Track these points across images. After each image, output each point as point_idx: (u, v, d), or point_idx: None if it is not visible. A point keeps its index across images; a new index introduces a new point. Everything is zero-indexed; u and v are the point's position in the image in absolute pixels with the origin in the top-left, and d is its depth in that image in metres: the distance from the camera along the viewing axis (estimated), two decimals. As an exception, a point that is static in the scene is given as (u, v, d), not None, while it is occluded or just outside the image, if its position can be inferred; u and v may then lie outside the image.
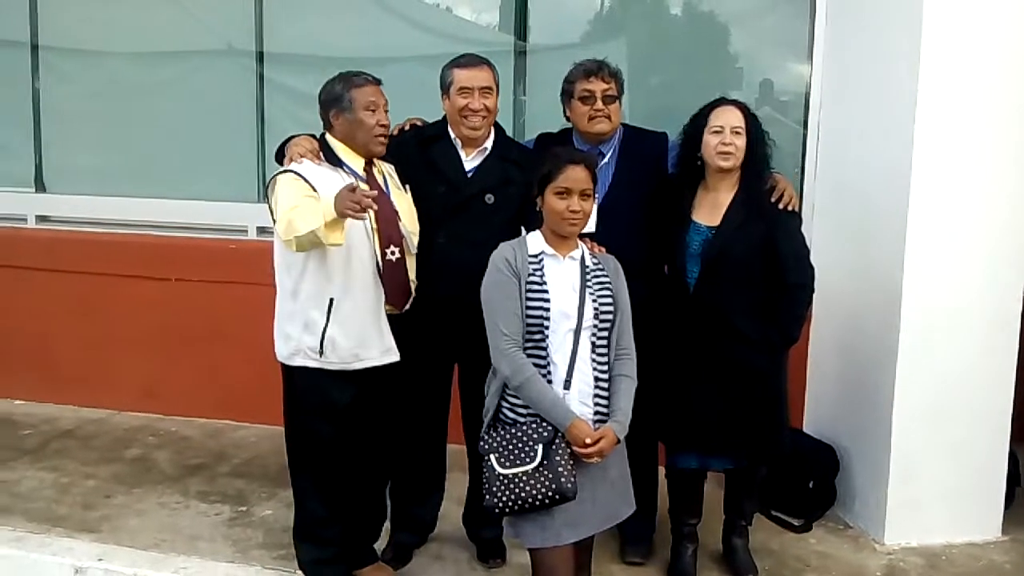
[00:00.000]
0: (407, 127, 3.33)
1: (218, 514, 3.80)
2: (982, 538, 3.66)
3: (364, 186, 2.94)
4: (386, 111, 3.02)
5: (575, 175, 2.57)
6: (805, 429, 4.17)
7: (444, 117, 3.23)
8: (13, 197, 5.17)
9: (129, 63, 5.00)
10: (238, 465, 4.32)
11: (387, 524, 3.40)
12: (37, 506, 3.83)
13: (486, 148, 3.20)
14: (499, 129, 3.27)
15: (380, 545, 3.35)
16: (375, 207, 2.66)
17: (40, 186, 5.21)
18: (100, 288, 4.92)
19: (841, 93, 4.01)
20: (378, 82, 3.03)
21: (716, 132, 3.06)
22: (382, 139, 3.00)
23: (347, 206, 2.58)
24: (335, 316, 2.91)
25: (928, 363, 3.53)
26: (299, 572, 3.22)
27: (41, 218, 5.14)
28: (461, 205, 3.13)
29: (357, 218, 2.65)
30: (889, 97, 3.61)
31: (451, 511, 3.54)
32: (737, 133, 3.05)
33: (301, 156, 2.94)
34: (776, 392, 3.20)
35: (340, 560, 3.15)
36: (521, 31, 4.54)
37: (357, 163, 3.02)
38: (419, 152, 3.21)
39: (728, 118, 3.06)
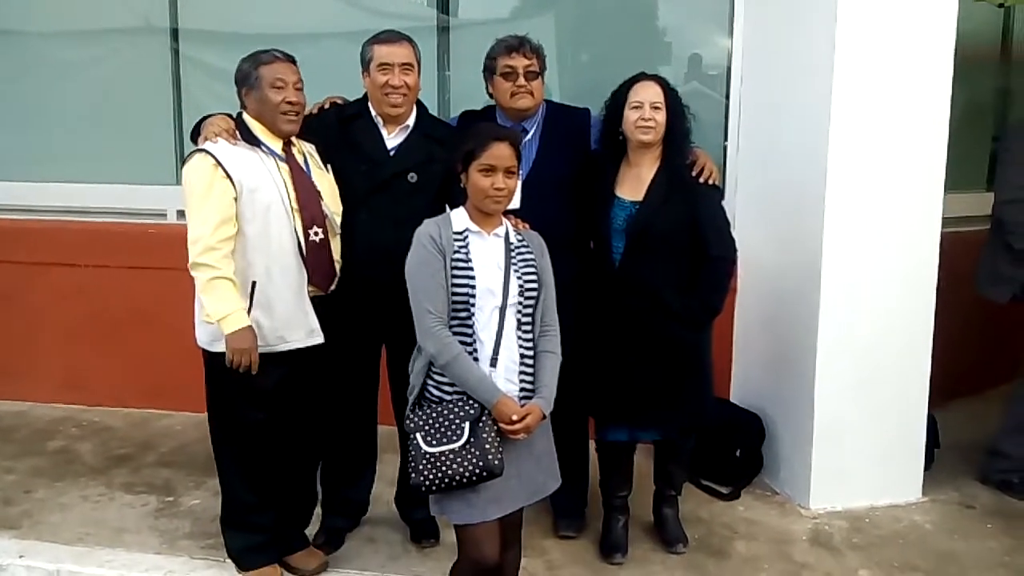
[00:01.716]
0: (327, 105, 3.26)
1: (144, 505, 3.72)
2: (904, 500, 3.78)
3: (284, 167, 2.91)
4: (298, 88, 2.93)
5: (499, 152, 2.55)
6: (732, 399, 4.25)
7: (365, 95, 3.18)
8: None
9: (43, 42, 4.83)
10: (164, 455, 4.23)
11: (318, 509, 3.37)
12: (-47, 503, 3.71)
13: (408, 126, 3.15)
14: (421, 107, 3.22)
15: (312, 530, 3.32)
16: (252, 370, 2.80)
17: (-50, 171, 5.01)
18: (16, 277, 4.77)
19: (761, 67, 4.06)
20: (289, 59, 2.96)
21: (636, 107, 3.08)
22: (290, 117, 2.92)
23: (236, 355, 2.77)
24: (258, 299, 2.86)
25: (849, 332, 3.61)
26: (228, 561, 3.17)
27: (-49, 205, 4.95)
28: (383, 184, 3.09)
29: (230, 364, 2.78)
30: (807, 71, 3.66)
31: (383, 493, 3.53)
32: (656, 108, 3.06)
33: (216, 136, 2.87)
34: (702, 363, 3.25)
35: (270, 547, 3.11)
36: (445, 6, 4.49)
37: (275, 143, 2.95)
38: (340, 131, 3.15)
39: (647, 93, 3.07)
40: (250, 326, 2.80)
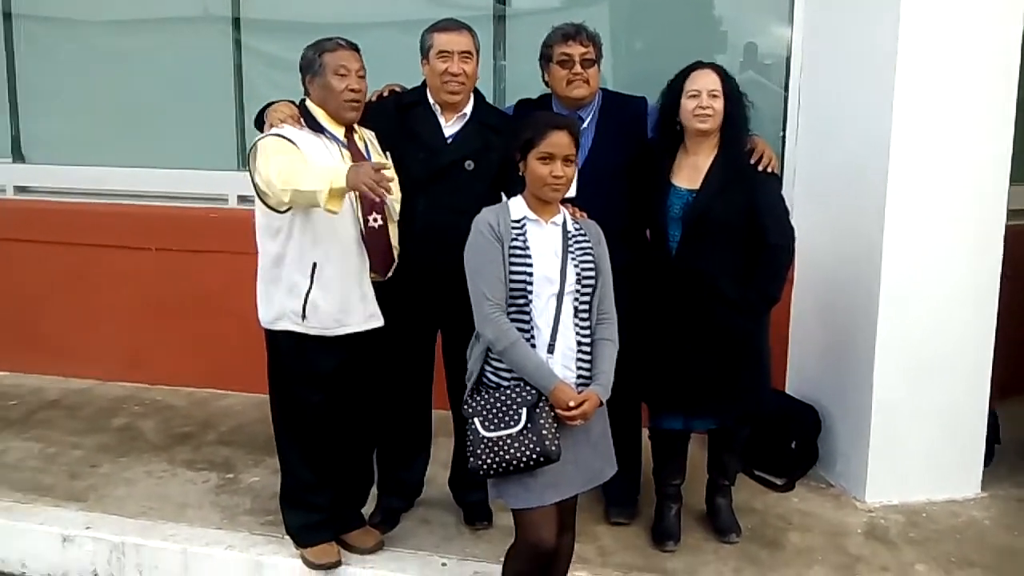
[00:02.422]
0: (386, 93, 3.31)
1: (205, 482, 3.82)
2: (962, 495, 3.72)
3: (346, 154, 2.95)
4: (360, 76, 2.98)
5: (558, 140, 2.56)
6: (787, 390, 4.21)
7: (423, 83, 3.21)
8: (-9, 168, 5.12)
9: (106, 31, 4.94)
10: (224, 433, 4.33)
11: (374, 489, 3.43)
12: (24, 476, 3.84)
13: (465, 114, 3.18)
14: (478, 95, 3.24)
15: (368, 510, 3.38)
16: (392, 194, 2.66)
17: (18, 156, 5.17)
18: (82, 258, 4.90)
19: (822, 56, 4.01)
20: (352, 47, 3.00)
21: (693, 96, 3.07)
22: (353, 104, 2.96)
23: (366, 183, 2.57)
24: (318, 280, 2.91)
25: (908, 323, 3.56)
26: (287, 537, 3.25)
27: (20, 188, 5.11)
28: (441, 171, 3.12)
29: (372, 197, 2.66)
30: (869, 60, 3.60)
31: (437, 475, 3.57)
32: (714, 96, 3.05)
33: (281, 122, 2.92)
34: (758, 352, 3.24)
35: (328, 525, 3.18)
36: (502, -5, 4.50)
37: (338, 130, 2.99)
38: (398, 118, 3.18)
39: (705, 81, 3.06)
40: (349, 167, 2.68)
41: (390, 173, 2.65)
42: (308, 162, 2.82)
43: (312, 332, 2.94)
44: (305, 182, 2.67)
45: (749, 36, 4.40)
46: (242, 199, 4.63)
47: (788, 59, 4.20)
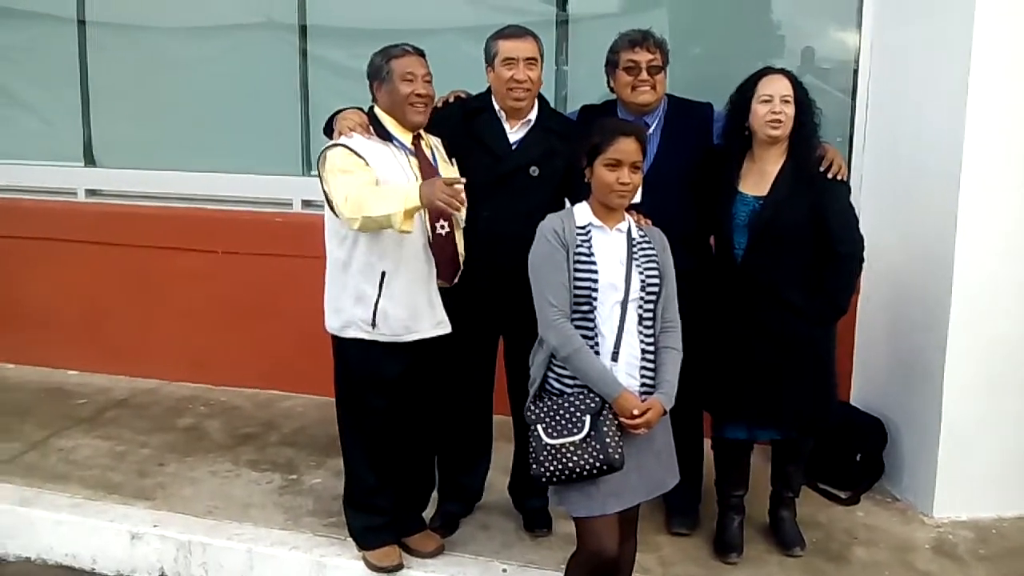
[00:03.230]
0: (451, 99, 3.33)
1: (269, 482, 3.87)
2: (1033, 512, 3.63)
3: (413, 161, 2.98)
4: (427, 81, 3.00)
5: (626, 147, 2.55)
6: (853, 402, 4.13)
7: (488, 89, 3.23)
8: (63, 171, 5.25)
9: (173, 37, 5.03)
10: (287, 434, 4.39)
11: (435, 494, 3.45)
12: (93, 473, 3.93)
13: (530, 120, 3.18)
14: (543, 101, 3.25)
15: (428, 514, 3.40)
16: (465, 205, 2.68)
17: (90, 160, 5.28)
18: (149, 260, 5.00)
19: (892, 62, 3.93)
20: (418, 52, 3.02)
21: (765, 101, 3.03)
22: (419, 108, 2.98)
23: (443, 199, 2.60)
24: (387, 289, 2.93)
25: (979, 335, 3.48)
26: (349, 539, 3.28)
27: (91, 192, 5.22)
28: (506, 177, 3.13)
29: (449, 212, 2.67)
30: (941, 66, 3.53)
31: (497, 481, 3.57)
32: (786, 102, 3.01)
33: (350, 130, 2.95)
34: (825, 363, 3.19)
35: (390, 528, 3.20)
36: (562, 0, 4.49)
37: (405, 137, 3.02)
38: (463, 125, 3.20)
39: (777, 87, 3.02)
40: (419, 183, 2.73)
41: (461, 187, 2.65)
42: (375, 181, 2.84)
43: (382, 340, 2.97)
44: (377, 207, 2.70)
45: (808, 41, 4.33)
46: (306, 204, 4.70)
47: (856, 65, 4.13)
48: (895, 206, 3.85)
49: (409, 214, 2.68)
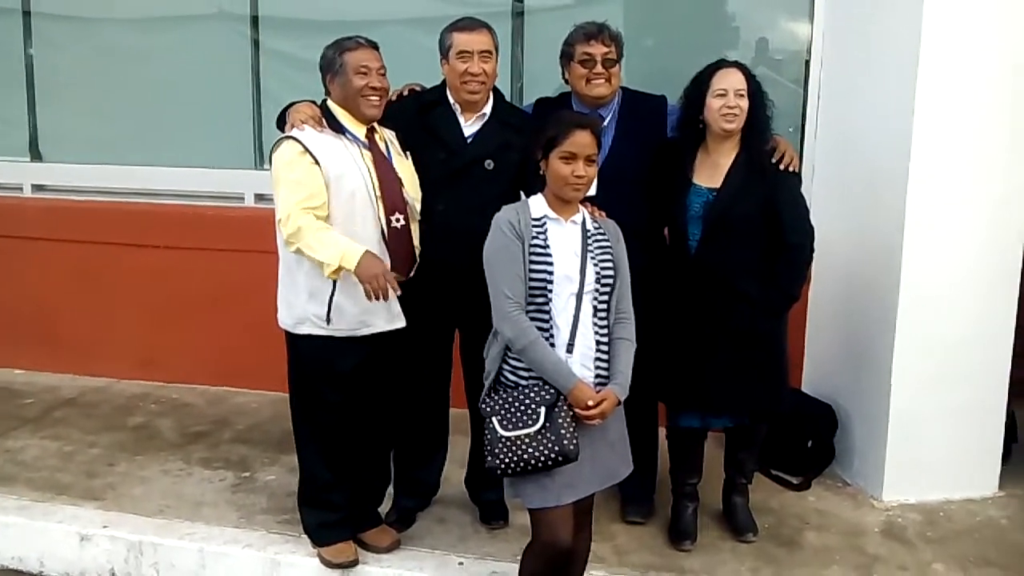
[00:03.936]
0: (405, 92, 3.31)
1: (222, 480, 3.83)
2: (979, 494, 3.71)
3: (367, 154, 2.96)
4: (381, 74, 2.98)
5: (581, 140, 2.55)
6: (804, 388, 4.20)
7: (443, 82, 3.21)
8: (9, 166, 5.14)
9: (122, 29, 4.95)
10: (240, 431, 4.34)
11: (391, 488, 3.43)
12: (41, 475, 3.86)
13: (485, 113, 3.17)
14: (498, 94, 3.24)
15: (384, 509, 3.38)
16: (397, 293, 2.76)
17: (36, 155, 5.18)
18: (98, 257, 4.91)
19: (842, 53, 3.99)
20: (372, 45, 3.00)
21: (720, 95, 3.05)
22: (373, 101, 2.96)
23: (373, 285, 2.70)
24: (341, 284, 2.90)
25: (927, 322, 3.55)
26: (304, 536, 3.25)
27: (37, 187, 5.12)
28: (461, 171, 3.12)
29: (369, 295, 2.73)
30: (891, 57, 3.59)
31: (453, 474, 3.57)
32: (741, 95, 3.04)
33: (302, 123, 2.92)
34: (777, 351, 3.24)
35: (345, 524, 3.18)
36: (518, -9, 4.50)
37: (359, 130, 3.00)
38: (418, 118, 3.18)
39: (731, 81, 3.05)
40: (368, 251, 2.78)
41: (392, 289, 2.74)
42: (323, 184, 2.84)
43: (337, 335, 2.95)
44: (315, 247, 2.76)
45: (762, 32, 4.39)
46: (259, 197, 4.65)
47: (806, 56, 4.19)
48: (846, 197, 3.91)
49: (339, 270, 2.75)
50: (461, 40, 3.09)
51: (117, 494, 3.69)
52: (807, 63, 4.20)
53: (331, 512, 3.15)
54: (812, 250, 3.14)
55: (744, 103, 3.04)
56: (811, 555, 3.28)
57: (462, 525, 3.44)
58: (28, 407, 4.62)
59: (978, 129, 3.47)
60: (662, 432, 3.48)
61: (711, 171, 3.13)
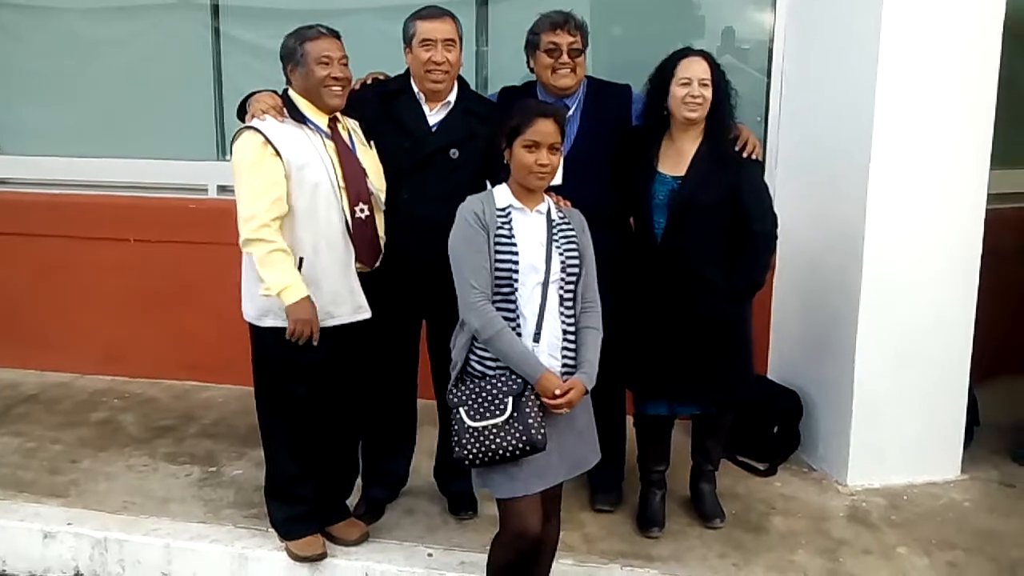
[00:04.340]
0: (369, 81, 3.28)
1: (188, 475, 3.79)
2: (942, 478, 3.76)
3: (330, 144, 2.94)
4: (343, 63, 2.95)
5: (544, 128, 2.55)
6: (769, 375, 4.24)
7: (407, 71, 3.18)
8: (-34, 160, 5.04)
9: (81, 19, 4.87)
10: (206, 426, 4.30)
11: (359, 480, 3.41)
12: (2, 472, 3.79)
13: (449, 102, 3.16)
14: (462, 82, 3.22)
15: (352, 501, 3.37)
16: (312, 341, 2.83)
17: (-6, 148, 5.09)
18: (59, 251, 4.84)
19: (804, 42, 4.01)
20: (333, 34, 2.97)
21: (684, 84, 3.06)
22: (336, 91, 2.94)
23: (299, 327, 2.80)
24: (306, 275, 2.87)
25: (890, 308, 3.59)
26: (271, 530, 3.23)
27: (-4, 180, 5.03)
28: (425, 160, 3.10)
29: (291, 335, 2.82)
30: (851, 45, 3.62)
31: (422, 465, 3.56)
32: (704, 85, 3.05)
33: (263, 113, 2.89)
34: (742, 338, 3.25)
35: (313, 517, 3.16)
36: (483, -20, 4.47)
37: (321, 119, 2.97)
38: (382, 107, 3.16)
39: (695, 70, 3.06)
40: (309, 296, 2.82)
41: (314, 335, 2.83)
42: (284, 176, 2.84)
43: None
44: (263, 263, 2.80)
45: (727, 21, 4.40)
46: (222, 189, 4.60)
47: (770, 45, 4.21)
48: (809, 184, 3.94)
49: (278, 294, 2.81)
50: (425, 28, 3.06)
51: (81, 490, 3.65)
52: (771, 52, 4.22)
53: (299, 505, 3.13)
54: (776, 237, 3.17)
55: (708, 93, 3.05)
56: (777, 540, 3.31)
57: (431, 516, 3.44)
58: (-11, 404, 4.55)
59: (938, 117, 3.51)
60: (630, 420, 3.49)
61: (675, 159, 3.13)
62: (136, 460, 3.93)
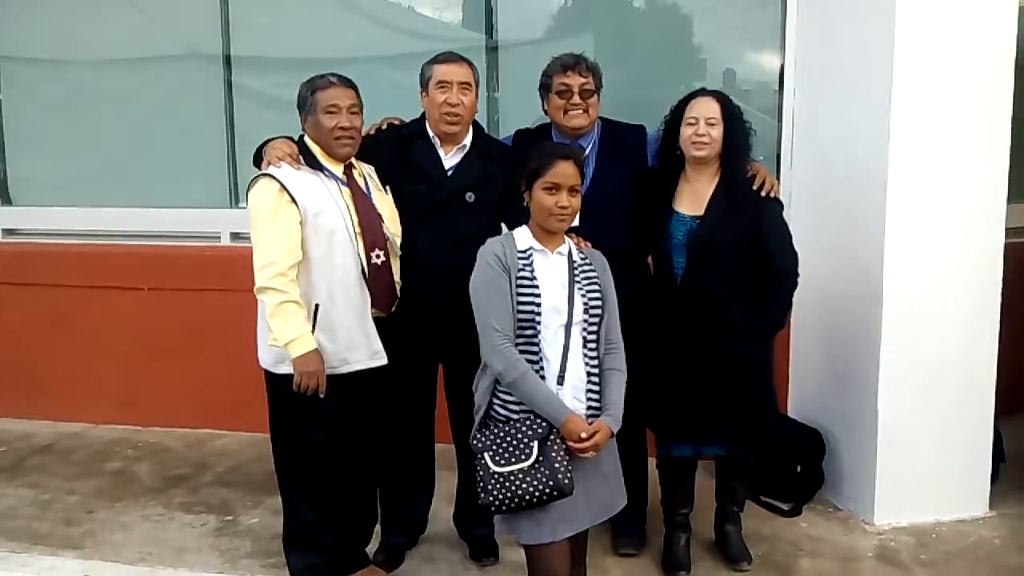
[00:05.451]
0: (384, 126, 3.30)
1: (204, 524, 3.75)
2: (971, 515, 3.70)
3: (346, 191, 2.94)
4: (353, 112, 2.95)
5: (564, 170, 2.54)
6: (790, 413, 4.19)
7: (422, 115, 3.20)
8: (-22, 211, 5.07)
9: (92, 71, 4.92)
10: (221, 474, 4.26)
11: (377, 527, 3.37)
12: (17, 524, 3.76)
13: (465, 145, 3.16)
14: (477, 126, 3.24)
15: (371, 548, 3.32)
16: (319, 393, 2.83)
17: (6, 199, 5.12)
18: (72, 300, 4.84)
19: (816, 80, 4.03)
20: (344, 83, 2.97)
21: (691, 124, 3.08)
22: (344, 141, 2.94)
23: (305, 380, 2.80)
24: (321, 322, 2.87)
25: (912, 344, 3.56)
26: (291, 580, 3.18)
27: (8, 231, 5.05)
28: (442, 204, 3.10)
29: (297, 386, 2.82)
30: (865, 82, 3.63)
31: (441, 511, 3.52)
32: (711, 124, 3.06)
33: (279, 160, 2.89)
34: (765, 377, 3.23)
35: (332, 565, 3.11)
36: (489, 28, 4.51)
37: (336, 166, 2.98)
38: (398, 152, 3.17)
39: (702, 109, 3.07)
40: (316, 349, 2.82)
41: (320, 387, 2.84)
42: (299, 223, 2.85)
43: None
44: (276, 316, 2.80)
45: (728, 62, 4.43)
46: (235, 236, 4.60)
47: (780, 83, 4.23)
48: (826, 221, 3.93)
49: (286, 345, 2.81)
50: (441, 71, 3.09)
51: (97, 542, 3.61)
52: (777, 92, 4.24)
53: (318, 554, 3.09)
54: (797, 275, 3.14)
55: (715, 132, 3.06)
56: (806, 582, 3.26)
57: (452, 563, 3.39)
58: (2, 455, 4.51)
59: (953, 147, 3.51)
60: (652, 462, 3.44)
61: (692, 199, 3.13)
62: (151, 510, 3.89)
